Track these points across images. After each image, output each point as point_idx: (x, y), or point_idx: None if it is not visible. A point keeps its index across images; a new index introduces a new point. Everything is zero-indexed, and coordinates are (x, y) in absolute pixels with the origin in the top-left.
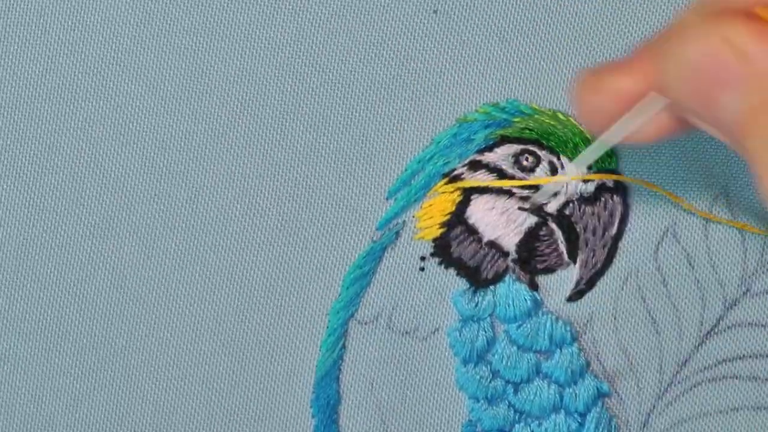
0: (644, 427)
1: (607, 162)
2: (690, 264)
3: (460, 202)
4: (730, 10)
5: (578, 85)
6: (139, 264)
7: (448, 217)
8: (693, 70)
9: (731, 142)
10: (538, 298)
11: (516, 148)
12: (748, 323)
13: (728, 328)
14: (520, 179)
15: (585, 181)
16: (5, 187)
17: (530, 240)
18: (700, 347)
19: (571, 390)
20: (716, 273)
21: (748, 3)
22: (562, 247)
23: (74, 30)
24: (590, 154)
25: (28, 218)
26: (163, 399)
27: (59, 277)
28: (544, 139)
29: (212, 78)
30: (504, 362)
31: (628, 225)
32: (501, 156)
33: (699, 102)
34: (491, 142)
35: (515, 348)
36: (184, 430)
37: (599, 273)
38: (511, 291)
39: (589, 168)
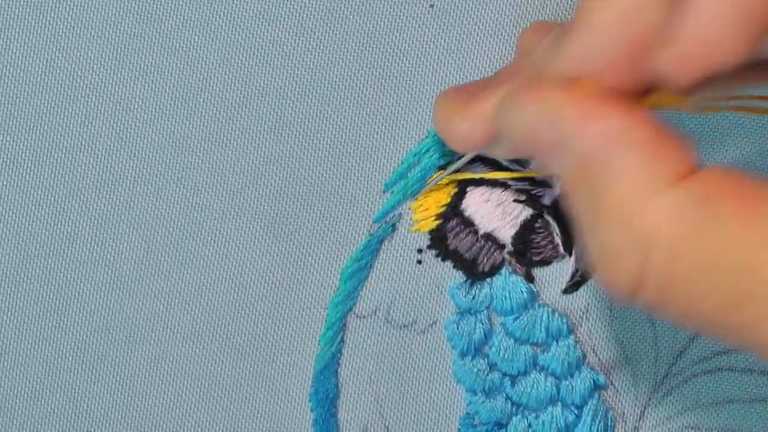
0: (640, 418)
1: None
2: None
3: (456, 194)
4: (562, 77)
5: (441, 107)
6: (137, 259)
7: (443, 208)
8: (520, 131)
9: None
10: (535, 290)
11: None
12: None
13: None
14: (516, 171)
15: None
16: (4, 184)
17: (526, 232)
18: (695, 339)
19: (567, 382)
20: None
21: (574, 73)
22: (558, 239)
23: (73, 28)
24: (458, 166)
25: (26, 215)
26: (162, 393)
27: (58, 273)
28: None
29: (209, 75)
30: (501, 355)
31: None
32: None
33: (533, 154)
34: None
35: (512, 340)
36: (182, 424)
37: None
38: (508, 283)
39: None
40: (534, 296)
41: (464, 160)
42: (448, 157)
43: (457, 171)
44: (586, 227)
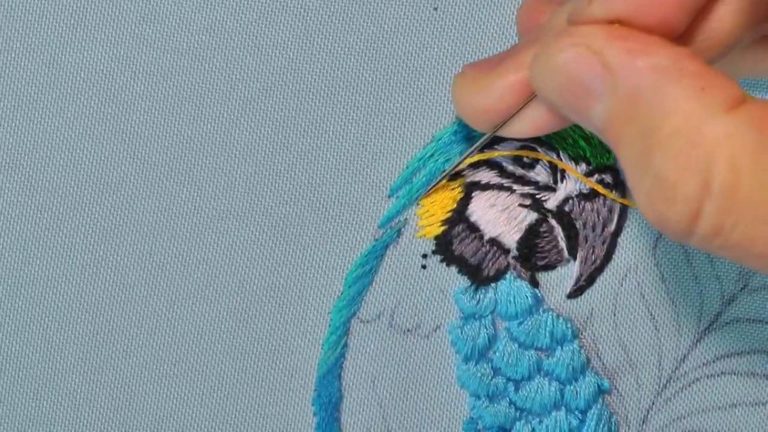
0: (643, 423)
1: (605, 158)
2: (688, 260)
3: (461, 200)
4: (596, 20)
5: (460, 84)
6: (141, 262)
7: (449, 214)
8: (561, 76)
9: (605, 142)
10: (539, 295)
11: (516, 144)
12: (746, 319)
13: (726, 324)
14: (521, 176)
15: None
16: (7, 186)
17: (531, 237)
18: (698, 343)
19: (571, 387)
20: (714, 269)
21: (613, 15)
22: (562, 244)
23: (77, 29)
24: (476, 148)
25: (30, 218)
26: (165, 397)
27: (61, 277)
28: (543, 135)
29: (213, 77)
30: (505, 360)
31: (627, 221)
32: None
33: (569, 106)
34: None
35: (516, 345)
36: (185, 427)
37: (599, 269)
38: (512, 288)
39: (588, 164)
40: (538, 301)
41: (480, 143)
42: (453, 161)
43: (462, 176)
44: (636, 167)
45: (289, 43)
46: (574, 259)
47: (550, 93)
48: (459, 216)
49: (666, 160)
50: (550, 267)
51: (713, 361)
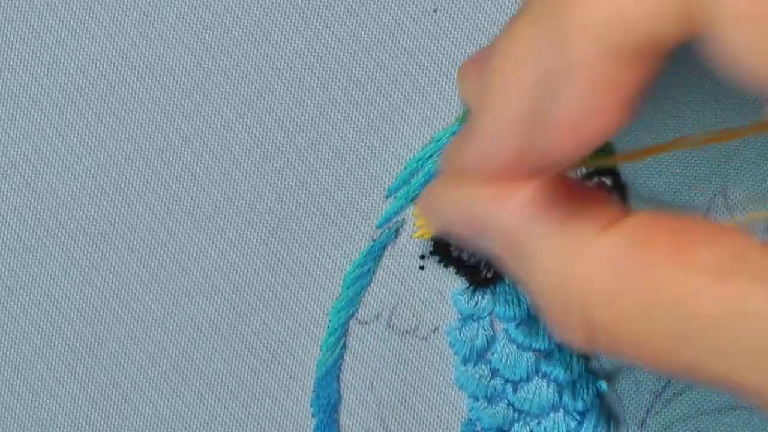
0: (642, 425)
1: (604, 160)
2: None
3: None
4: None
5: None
6: (138, 262)
7: None
8: (447, 225)
9: None
10: None
11: None
12: None
13: None
14: None
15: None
16: (4, 185)
17: None
18: None
19: (570, 389)
20: None
21: (491, 172)
22: None
23: (77, 27)
24: None
25: (25, 218)
26: (162, 399)
27: (56, 277)
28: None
29: (211, 76)
30: (503, 361)
31: None
32: None
33: (467, 238)
34: None
35: (514, 347)
36: (183, 430)
37: None
38: (511, 290)
39: (587, 166)
40: None
41: None
42: None
43: None
44: (529, 298)
45: (288, 43)
46: None
47: (452, 226)
48: None
49: (546, 300)
50: None
51: None
